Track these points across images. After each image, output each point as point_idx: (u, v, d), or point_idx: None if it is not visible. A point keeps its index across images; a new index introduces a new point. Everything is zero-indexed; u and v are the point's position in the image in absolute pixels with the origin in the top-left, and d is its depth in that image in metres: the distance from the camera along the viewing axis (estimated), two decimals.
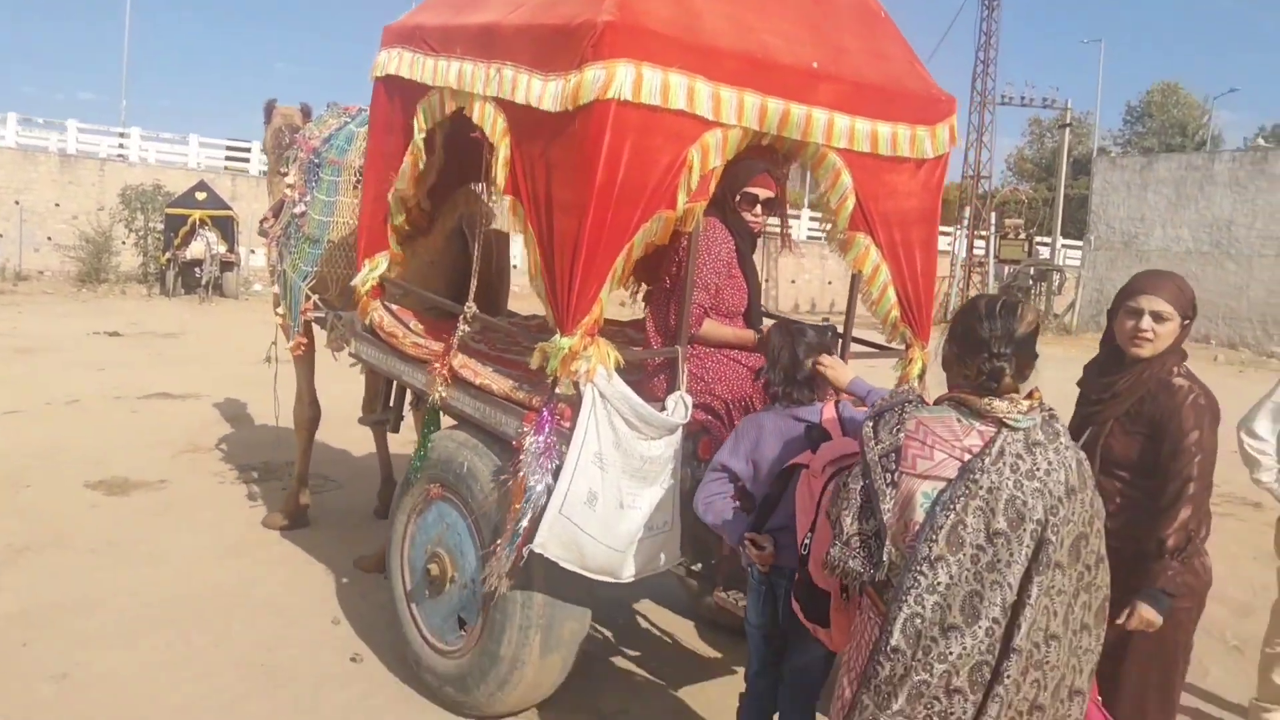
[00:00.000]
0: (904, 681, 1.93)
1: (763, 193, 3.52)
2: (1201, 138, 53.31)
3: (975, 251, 27.92)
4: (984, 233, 27.28)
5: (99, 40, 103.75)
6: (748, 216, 3.52)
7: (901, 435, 2.03)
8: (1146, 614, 2.68)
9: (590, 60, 2.91)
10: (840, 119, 3.42)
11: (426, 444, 3.71)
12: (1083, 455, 2.12)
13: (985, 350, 2.06)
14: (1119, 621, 2.74)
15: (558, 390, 3.08)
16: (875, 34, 3.69)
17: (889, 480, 1.99)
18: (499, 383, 3.43)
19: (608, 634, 4.45)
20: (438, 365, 3.63)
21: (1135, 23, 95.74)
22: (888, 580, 2.00)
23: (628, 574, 3.19)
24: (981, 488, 1.94)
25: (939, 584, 1.91)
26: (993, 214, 27.27)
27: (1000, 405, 2.03)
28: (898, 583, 1.96)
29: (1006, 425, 2.02)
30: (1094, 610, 2.08)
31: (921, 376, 3.96)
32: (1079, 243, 27.28)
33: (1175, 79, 60.81)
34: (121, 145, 26.21)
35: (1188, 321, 2.89)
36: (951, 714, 1.93)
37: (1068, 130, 29.03)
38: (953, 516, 1.93)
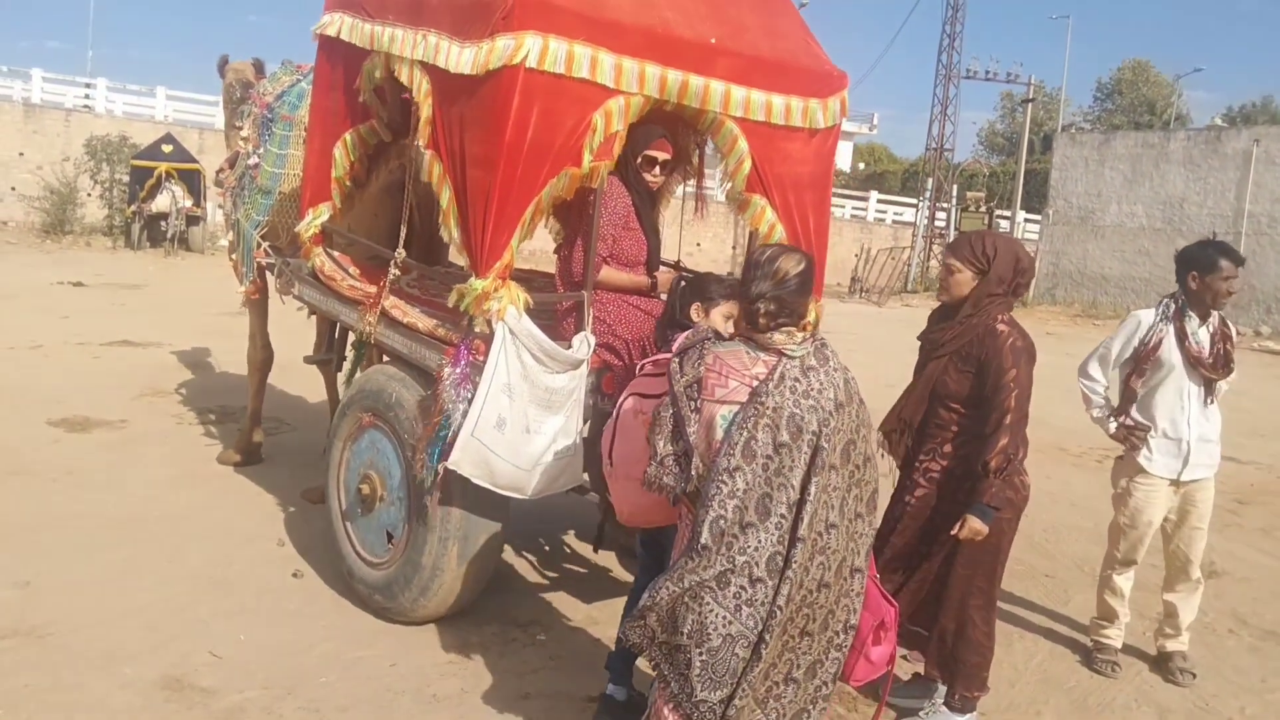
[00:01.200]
0: (709, 571, 2.35)
1: (660, 155, 3.93)
2: (1169, 116, 53.99)
3: (937, 223, 28.42)
4: (945, 204, 27.75)
5: None
6: (647, 177, 3.93)
7: (701, 368, 2.45)
8: (974, 524, 3.17)
9: (501, 30, 3.26)
10: (737, 90, 3.79)
11: (356, 378, 4.09)
12: (850, 375, 2.57)
13: (756, 295, 2.48)
14: (953, 532, 3.20)
15: (474, 327, 3.47)
16: (773, 13, 4.06)
17: (693, 407, 2.42)
18: (424, 321, 3.81)
19: (530, 557, 4.87)
20: (370, 305, 4.00)
21: (1101, 1, 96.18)
22: (698, 490, 2.42)
23: (533, 491, 3.59)
24: (768, 408, 2.37)
25: (738, 490, 2.33)
26: (954, 186, 27.74)
27: (779, 338, 2.47)
28: (704, 491, 2.38)
29: (785, 354, 2.45)
30: (865, 501, 2.54)
31: (815, 327, 4.39)
32: (1039, 217, 27.83)
33: (1147, 57, 61.45)
34: (88, 96, 26.05)
35: (985, 274, 3.31)
36: (755, 598, 2.36)
37: (1030, 106, 29.45)
38: (745, 433, 2.35)
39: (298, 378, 7.30)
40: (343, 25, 4.14)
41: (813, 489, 2.36)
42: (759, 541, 2.34)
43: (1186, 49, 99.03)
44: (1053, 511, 6.37)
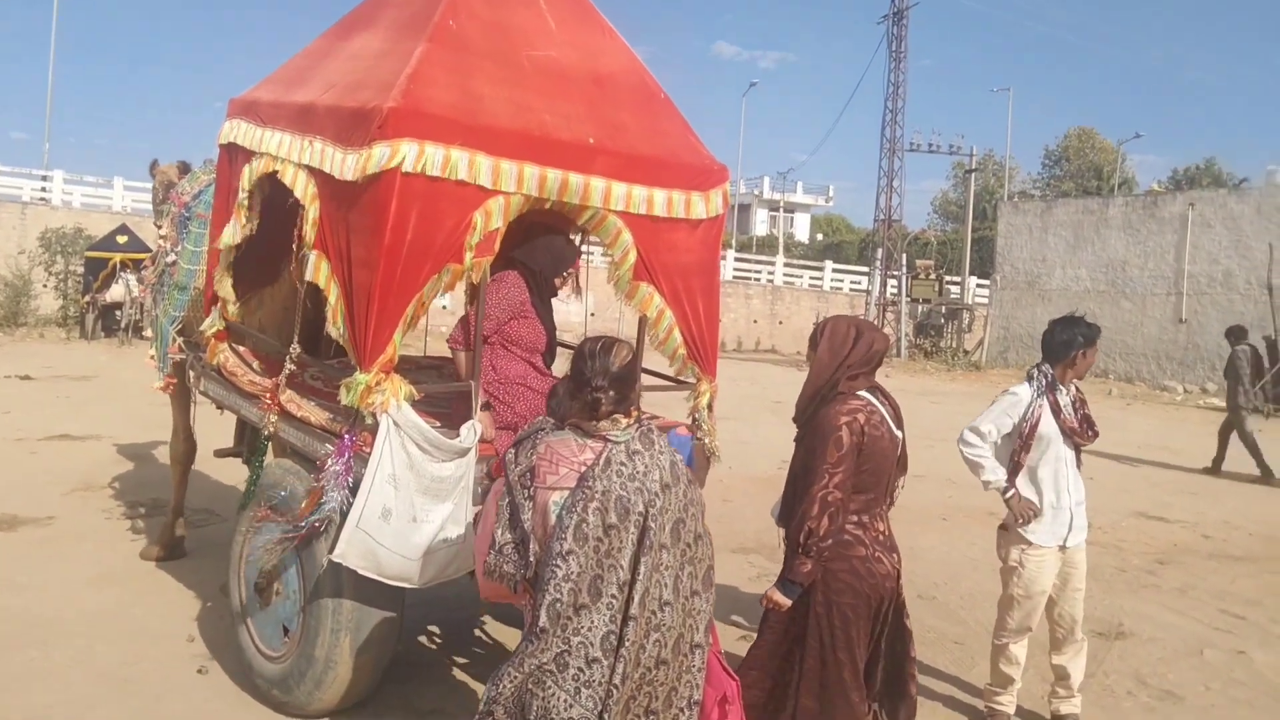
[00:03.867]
0: (548, 654, 2.44)
1: (572, 270, 4.29)
2: (1115, 181, 55.65)
3: (890, 291, 28.98)
4: (896, 273, 28.35)
5: (29, 79, 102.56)
6: (558, 284, 4.20)
7: (534, 457, 2.58)
8: (773, 595, 3.26)
9: (378, 138, 3.44)
10: (617, 186, 3.99)
11: (257, 473, 4.17)
12: (677, 457, 2.69)
13: (588, 385, 2.62)
14: (761, 600, 3.28)
15: (360, 420, 3.58)
16: (653, 113, 4.29)
17: (527, 495, 2.54)
18: (317, 415, 3.92)
19: (435, 641, 4.90)
20: (268, 400, 4.10)
21: (1049, 72, 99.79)
22: (538, 575, 2.52)
23: (423, 580, 3.66)
24: (596, 491, 2.49)
25: (571, 572, 2.44)
26: (904, 255, 28.38)
27: (604, 425, 2.61)
28: (540, 575, 2.49)
29: (610, 440, 2.58)
30: (700, 578, 2.65)
31: (710, 406, 4.54)
32: (989, 282, 28.48)
33: (1092, 125, 63.50)
34: (44, 189, 26.20)
35: (812, 352, 3.47)
36: (593, 679, 2.45)
37: (978, 174, 30.31)
38: (576, 517, 2.47)
39: (230, 468, 7.32)
40: (239, 131, 4.32)
41: (642, 568, 2.47)
42: (592, 622, 2.44)
43: (1132, 115, 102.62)
44: (972, 578, 6.48)
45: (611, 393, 2.64)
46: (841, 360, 3.43)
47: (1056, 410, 4.16)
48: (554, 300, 4.38)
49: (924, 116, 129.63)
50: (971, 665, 4.96)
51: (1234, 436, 11.48)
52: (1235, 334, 12.15)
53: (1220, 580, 6.85)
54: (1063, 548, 4.17)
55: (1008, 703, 4.25)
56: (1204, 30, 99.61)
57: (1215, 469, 11.56)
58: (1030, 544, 4.16)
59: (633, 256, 4.12)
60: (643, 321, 4.34)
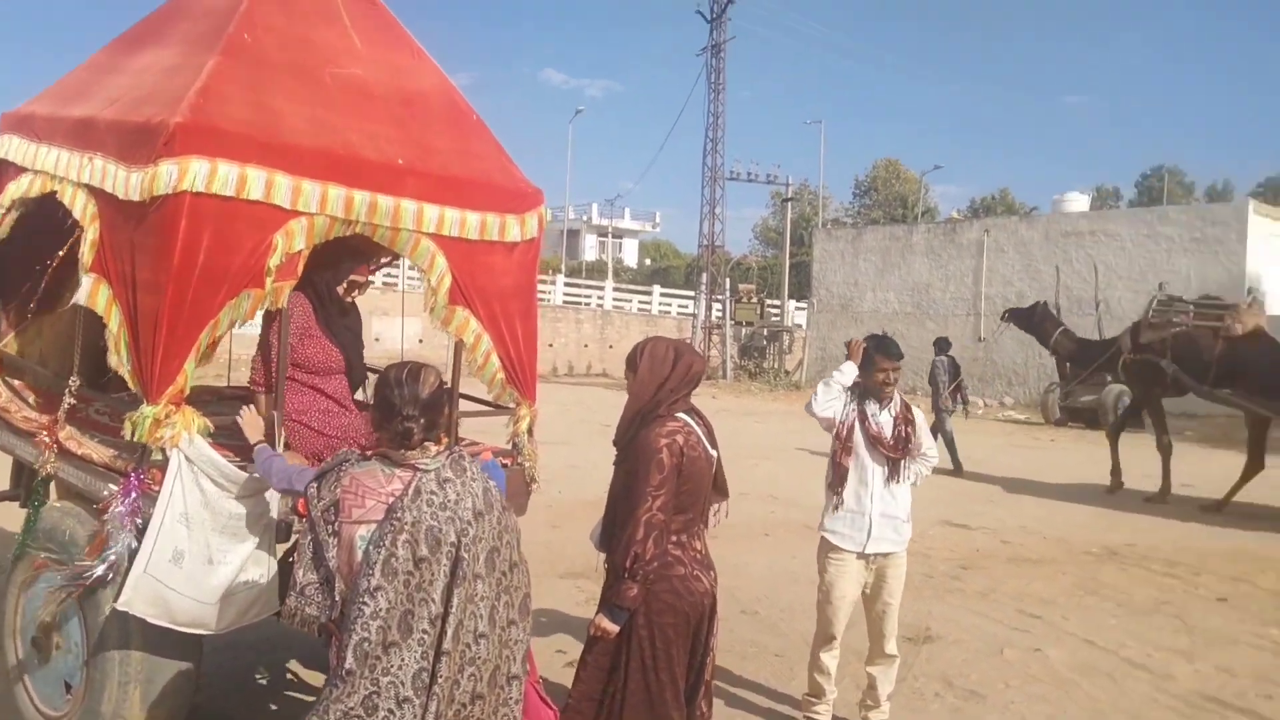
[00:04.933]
0: (355, 697, 2.32)
1: (359, 279, 4.08)
2: (919, 209, 59.33)
3: (714, 315, 29.77)
4: (720, 297, 29.18)
5: None
6: (343, 293, 4.01)
7: (338, 490, 2.47)
8: (600, 622, 3.22)
9: (164, 156, 3.22)
10: (430, 208, 3.89)
11: (34, 517, 3.81)
12: (491, 484, 2.63)
13: (397, 414, 2.54)
14: (589, 629, 3.25)
15: (148, 456, 3.32)
16: (465, 135, 4.22)
17: (331, 531, 2.42)
18: (100, 452, 3.61)
19: (246, 690, 4.61)
20: (45, 437, 3.76)
21: (858, 107, 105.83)
22: (343, 615, 2.41)
23: (221, 625, 3.42)
24: (406, 523, 2.40)
25: (380, 610, 2.33)
26: (727, 280, 29.26)
27: (413, 454, 2.52)
28: (346, 615, 2.37)
29: (419, 469, 2.50)
30: (516, 607, 2.59)
31: (530, 431, 4.48)
32: (807, 305, 29.72)
33: (897, 156, 67.57)
34: None
35: (631, 374, 3.48)
36: None
37: (794, 203, 31.63)
38: (384, 551, 2.37)
39: (5, 513, 6.67)
40: (10, 147, 3.97)
41: (456, 600, 2.39)
42: (403, 660, 2.34)
43: (933, 148, 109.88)
44: (793, 591, 6.66)
45: (422, 420, 2.55)
46: (661, 382, 3.44)
47: (863, 418, 4.36)
48: (384, 323, 4.23)
49: (745, 146, 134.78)
50: (791, 677, 5.08)
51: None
52: (940, 345, 13.46)
53: (1018, 583, 7.32)
54: (864, 556, 4.33)
55: (823, 712, 4.37)
56: (995, 70, 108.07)
57: (958, 470, 12.71)
58: (832, 548, 4.34)
59: (448, 280, 4.02)
60: (459, 346, 4.24)
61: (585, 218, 61.62)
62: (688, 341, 3.57)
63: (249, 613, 3.50)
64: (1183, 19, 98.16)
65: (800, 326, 32.00)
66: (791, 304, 34.50)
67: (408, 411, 2.53)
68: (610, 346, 33.75)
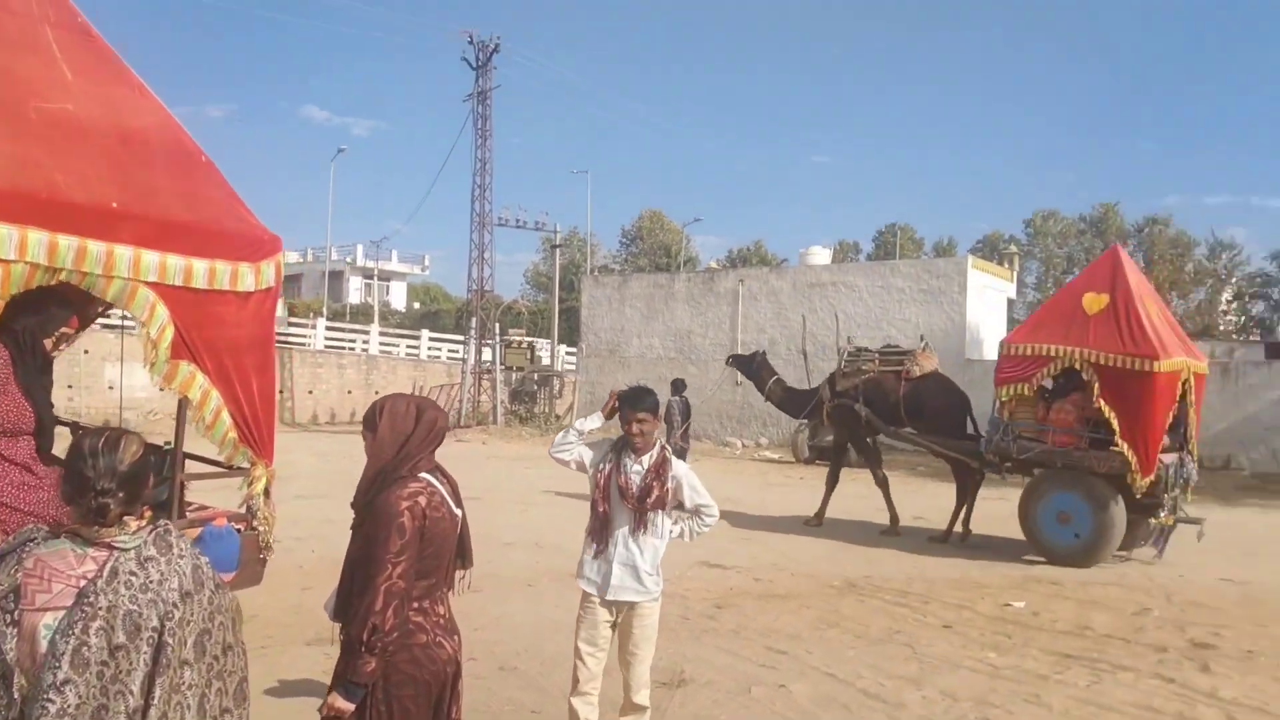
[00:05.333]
0: None
1: (69, 330, 3.74)
2: (681, 258, 61.80)
3: (484, 360, 29.54)
4: (491, 341, 29.01)
5: None
6: (50, 347, 3.64)
7: (20, 574, 2.20)
8: (334, 701, 3.02)
9: None
10: (149, 255, 3.62)
11: None
12: (201, 560, 2.45)
13: (91, 489, 2.31)
14: (320, 709, 3.06)
15: None
16: (192, 177, 3.97)
17: (11, 620, 2.15)
18: None
19: None
20: None
21: (625, 158, 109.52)
22: (23, 714, 2.14)
23: None
24: (100, 608, 2.17)
25: (69, 706, 2.09)
26: (498, 324, 29.16)
27: (110, 531, 2.30)
28: (28, 715, 2.11)
29: (117, 548, 2.29)
30: (231, 694, 2.41)
31: (267, 492, 4.22)
32: (576, 350, 30.10)
33: (661, 208, 70.34)
34: None
35: (370, 434, 3.36)
36: None
37: (563, 250, 32.04)
38: (74, 640, 2.13)
39: None
40: None
41: (158, 691, 2.17)
42: None
43: (695, 200, 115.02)
44: (555, 641, 6.62)
45: (121, 495, 2.31)
46: (403, 441, 3.30)
47: (617, 469, 4.44)
48: (118, 370, 3.86)
49: (516, 192, 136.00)
50: None
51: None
52: (675, 386, 14.72)
53: (767, 619, 7.64)
54: (608, 604, 4.40)
55: None
56: (752, 128, 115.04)
57: None
58: (584, 594, 4.43)
59: (170, 333, 3.75)
60: (183, 404, 3.95)
61: (350, 259, 59.64)
62: (429, 397, 3.47)
63: None
64: (912, 93, 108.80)
65: (570, 371, 32.32)
66: (562, 349, 34.81)
67: (103, 485, 2.29)
68: (376, 392, 32.48)
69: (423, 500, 3.17)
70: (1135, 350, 9.77)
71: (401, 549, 3.07)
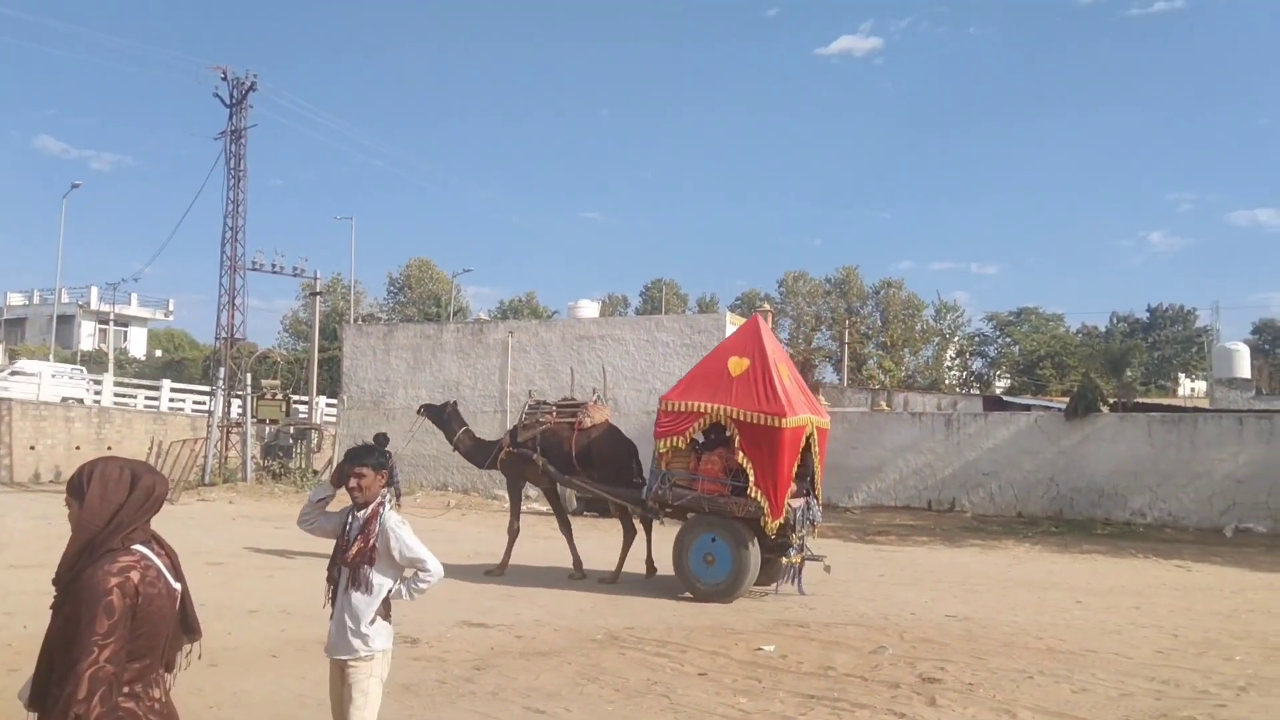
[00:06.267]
0: None
1: None
2: (452, 309, 61.05)
3: (233, 412, 27.73)
4: (241, 392, 27.31)
5: None
6: None
7: None
8: None
9: None
10: None
11: None
12: None
13: None
14: None
15: None
16: None
17: None
18: None
19: None
20: None
21: (391, 205, 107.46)
22: None
23: None
24: None
25: None
26: (250, 374, 27.48)
27: None
28: None
29: None
30: None
31: None
32: (338, 401, 28.85)
33: (430, 256, 69.33)
34: None
35: (76, 502, 3.05)
36: None
37: (323, 297, 30.75)
38: None
39: None
40: None
41: None
42: None
43: (465, 250, 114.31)
44: (299, 716, 6.24)
45: None
46: (116, 510, 3.00)
47: (346, 525, 4.50)
48: None
49: (275, 237, 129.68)
50: None
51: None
52: (379, 440, 14.87)
53: (528, 678, 7.53)
54: (332, 662, 4.42)
55: None
56: (521, 180, 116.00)
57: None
58: None
59: None
60: None
61: (82, 302, 54.62)
62: (146, 461, 3.19)
63: None
64: (677, 158, 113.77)
65: (331, 423, 30.93)
66: (322, 400, 33.27)
67: None
68: (110, 448, 29.81)
69: (135, 575, 2.91)
70: (767, 408, 11.02)
71: (110, 630, 2.80)
